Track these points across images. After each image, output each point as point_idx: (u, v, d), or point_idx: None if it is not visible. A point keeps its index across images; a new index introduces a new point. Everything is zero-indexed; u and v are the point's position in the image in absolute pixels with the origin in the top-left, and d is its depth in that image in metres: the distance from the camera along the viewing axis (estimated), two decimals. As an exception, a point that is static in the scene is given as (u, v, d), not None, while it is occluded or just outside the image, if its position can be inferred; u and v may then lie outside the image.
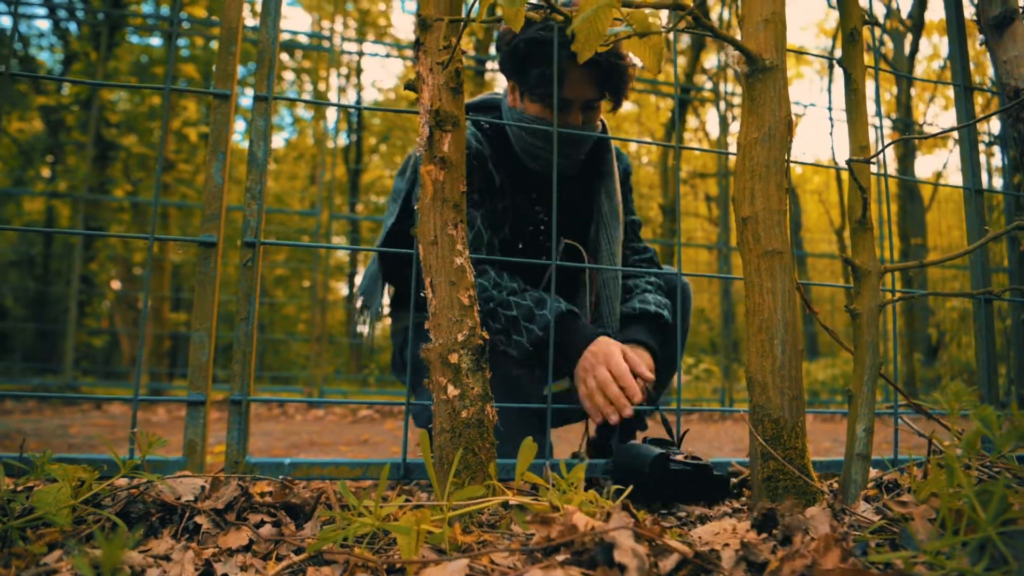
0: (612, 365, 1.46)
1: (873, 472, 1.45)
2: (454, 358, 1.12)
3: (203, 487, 1.12)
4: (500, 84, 10.00)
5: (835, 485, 1.46)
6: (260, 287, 1.29)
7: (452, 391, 1.12)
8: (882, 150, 1.28)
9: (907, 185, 10.07)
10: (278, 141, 18.75)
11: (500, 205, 1.72)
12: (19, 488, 1.09)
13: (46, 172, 10.11)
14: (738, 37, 1.37)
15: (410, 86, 1.30)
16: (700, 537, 0.98)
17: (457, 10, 1.28)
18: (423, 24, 1.25)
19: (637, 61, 1.73)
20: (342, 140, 14.38)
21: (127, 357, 8.96)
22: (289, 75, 15.71)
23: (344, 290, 15.17)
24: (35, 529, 0.96)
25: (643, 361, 1.58)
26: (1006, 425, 0.96)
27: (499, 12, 0.96)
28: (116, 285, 9.89)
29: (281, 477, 1.18)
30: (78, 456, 1.18)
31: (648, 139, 16.26)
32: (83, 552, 0.81)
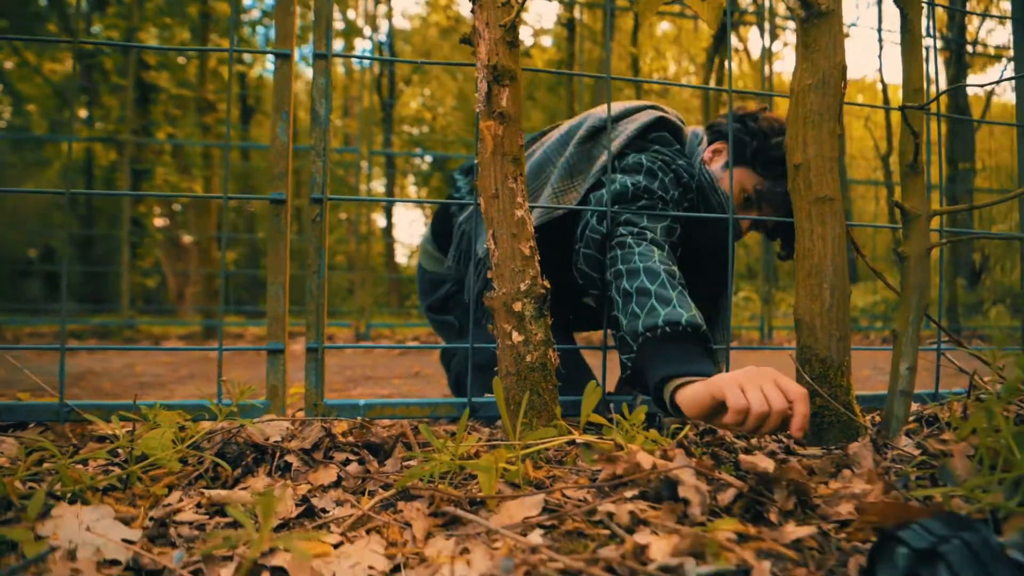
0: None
1: (914, 406, 1.51)
2: (518, 306, 1.19)
3: (289, 428, 1.22)
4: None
5: (877, 419, 1.53)
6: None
7: (517, 337, 1.19)
8: (937, 97, 1.28)
9: (956, 104, 9.72)
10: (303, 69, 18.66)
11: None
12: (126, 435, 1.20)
13: (83, 113, 10.24)
14: None
15: (466, 40, 1.33)
16: (751, 470, 1.06)
17: (511, -36, 1.30)
18: (478, -21, 1.27)
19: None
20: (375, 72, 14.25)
21: (173, 295, 9.26)
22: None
23: (382, 222, 15.27)
24: (146, 472, 1.07)
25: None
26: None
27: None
28: (159, 223, 10.11)
29: (359, 418, 1.28)
30: (174, 403, 1.29)
31: (687, 62, 15.80)
32: (236, 504, 0.91)
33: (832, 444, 1.32)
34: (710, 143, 1.77)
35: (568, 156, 1.68)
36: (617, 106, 1.74)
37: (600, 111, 1.71)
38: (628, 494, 0.82)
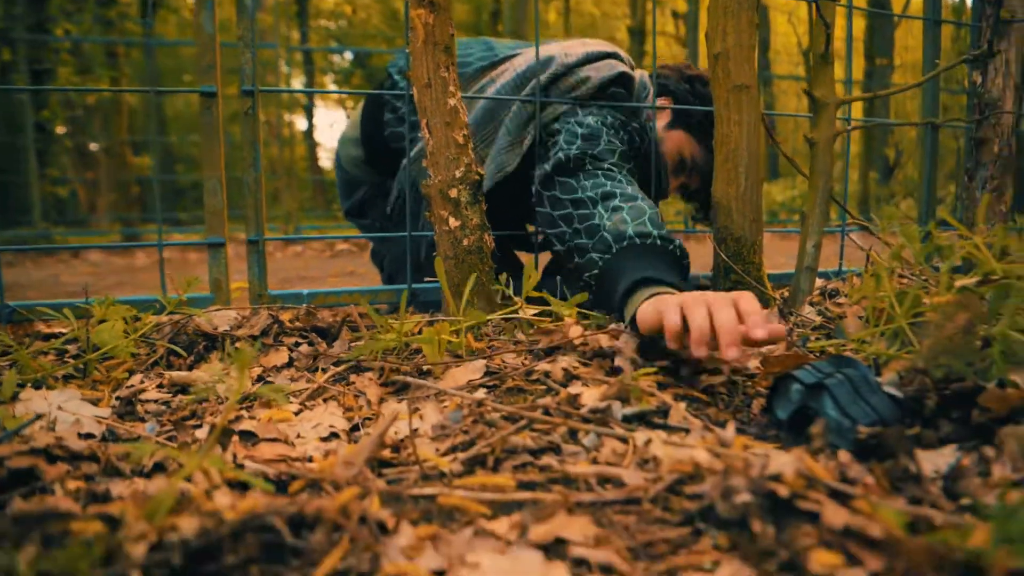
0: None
1: (819, 283, 1.65)
2: (453, 192, 1.25)
3: (236, 318, 1.27)
4: None
5: (786, 294, 1.67)
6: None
7: (453, 222, 1.25)
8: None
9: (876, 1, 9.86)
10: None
11: None
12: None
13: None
14: None
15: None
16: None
17: None
18: None
19: None
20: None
21: (84, 206, 8.86)
22: None
23: (303, 124, 14.76)
24: (101, 363, 1.10)
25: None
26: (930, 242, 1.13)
27: None
28: (61, 130, 9.53)
29: (304, 305, 1.33)
30: (121, 299, 1.31)
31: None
32: (198, 381, 0.96)
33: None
34: (658, 95, 1.76)
35: (520, 106, 1.63)
36: (578, 49, 1.69)
37: (562, 53, 1.66)
38: (562, 358, 0.92)
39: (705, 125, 1.69)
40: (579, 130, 1.53)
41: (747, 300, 0.90)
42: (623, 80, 1.70)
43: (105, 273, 4.26)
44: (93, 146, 9.13)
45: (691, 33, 8.42)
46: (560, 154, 1.48)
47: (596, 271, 1.26)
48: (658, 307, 0.98)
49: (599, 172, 1.44)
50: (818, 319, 1.29)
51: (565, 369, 0.88)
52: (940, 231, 1.07)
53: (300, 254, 5.26)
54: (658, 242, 1.24)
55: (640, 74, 1.78)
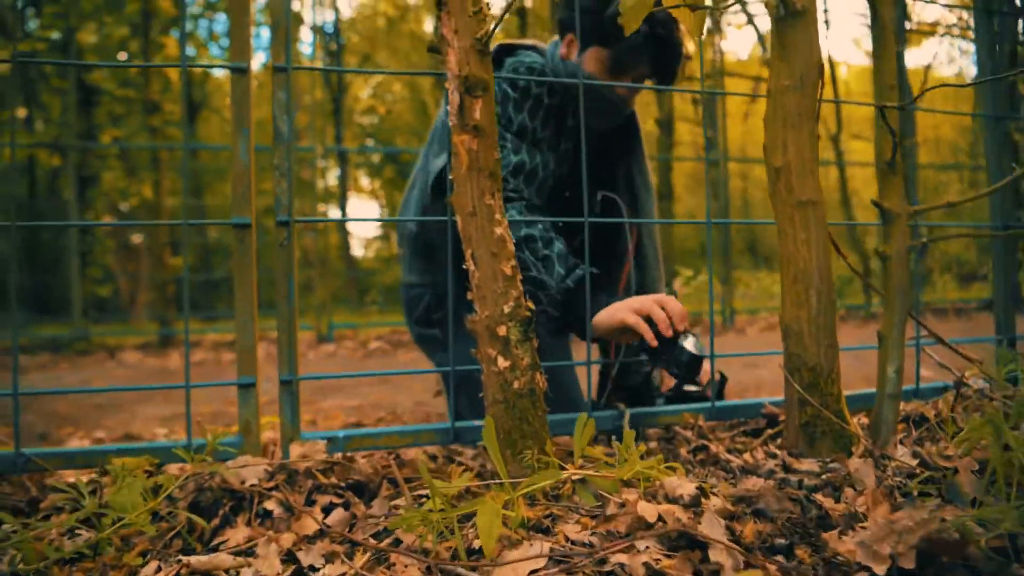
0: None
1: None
2: (502, 330, 1.14)
3: (266, 471, 1.15)
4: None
5: (863, 419, 1.52)
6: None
7: (503, 363, 1.14)
8: (915, 99, 1.26)
9: (899, 80, 9.88)
10: (256, 61, 18.30)
11: (563, 146, 1.76)
12: (89, 485, 1.12)
13: (21, 113, 9.83)
14: (763, -22, 1.33)
15: (433, 48, 1.27)
16: (754, 493, 1.02)
17: (478, -32, 1.23)
18: (445, -16, 1.21)
19: (690, 47, 1.77)
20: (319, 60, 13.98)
21: (126, 300, 8.97)
22: (256, -5, 15.06)
23: (336, 213, 15.06)
24: (116, 530, 0.99)
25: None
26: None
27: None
28: (107, 218, 9.73)
29: (339, 455, 1.22)
30: (140, 446, 1.21)
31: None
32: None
33: (826, 455, 1.30)
34: (561, 40, 1.81)
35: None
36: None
37: None
38: (640, 544, 0.78)
39: (605, 26, 1.65)
40: None
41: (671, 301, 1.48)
42: (516, 47, 1.79)
43: (139, 376, 4.21)
44: (136, 239, 9.31)
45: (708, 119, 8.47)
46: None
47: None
48: (614, 314, 1.48)
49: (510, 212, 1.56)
50: (916, 464, 1.13)
51: (647, 564, 0.74)
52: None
53: (333, 354, 5.19)
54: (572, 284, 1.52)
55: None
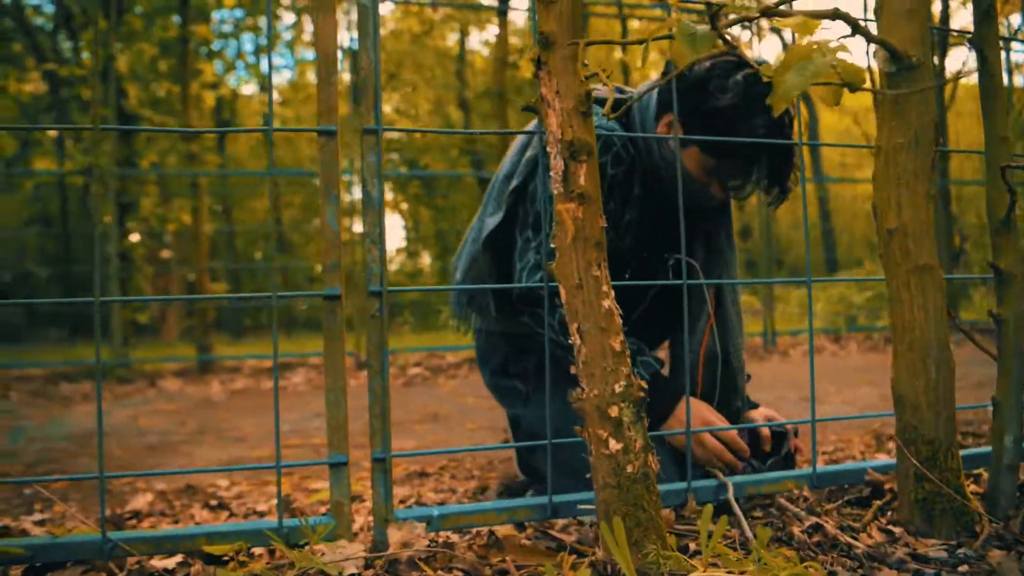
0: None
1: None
2: (614, 411, 1.08)
3: (364, 557, 1.10)
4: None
5: (974, 487, 1.43)
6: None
7: (614, 445, 1.08)
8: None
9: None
10: (279, 79, 18.52)
11: (628, 217, 1.62)
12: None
13: (52, 133, 9.99)
14: (873, 30, 1.27)
15: (530, 108, 1.22)
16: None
17: (578, 24, 1.18)
18: (545, 42, 1.16)
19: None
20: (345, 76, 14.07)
21: (159, 321, 9.04)
22: (288, 16, 15.25)
23: (358, 226, 15.21)
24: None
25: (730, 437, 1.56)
26: None
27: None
28: (136, 238, 9.82)
29: (439, 546, 1.16)
30: (229, 528, 1.16)
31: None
32: None
33: (946, 534, 1.22)
34: (661, 113, 1.60)
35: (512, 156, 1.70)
36: None
37: None
38: None
39: (711, 130, 1.48)
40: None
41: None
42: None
43: (182, 409, 4.19)
44: (165, 253, 9.35)
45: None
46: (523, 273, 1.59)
47: None
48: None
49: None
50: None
51: None
52: None
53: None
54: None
55: (640, 90, 1.58)
